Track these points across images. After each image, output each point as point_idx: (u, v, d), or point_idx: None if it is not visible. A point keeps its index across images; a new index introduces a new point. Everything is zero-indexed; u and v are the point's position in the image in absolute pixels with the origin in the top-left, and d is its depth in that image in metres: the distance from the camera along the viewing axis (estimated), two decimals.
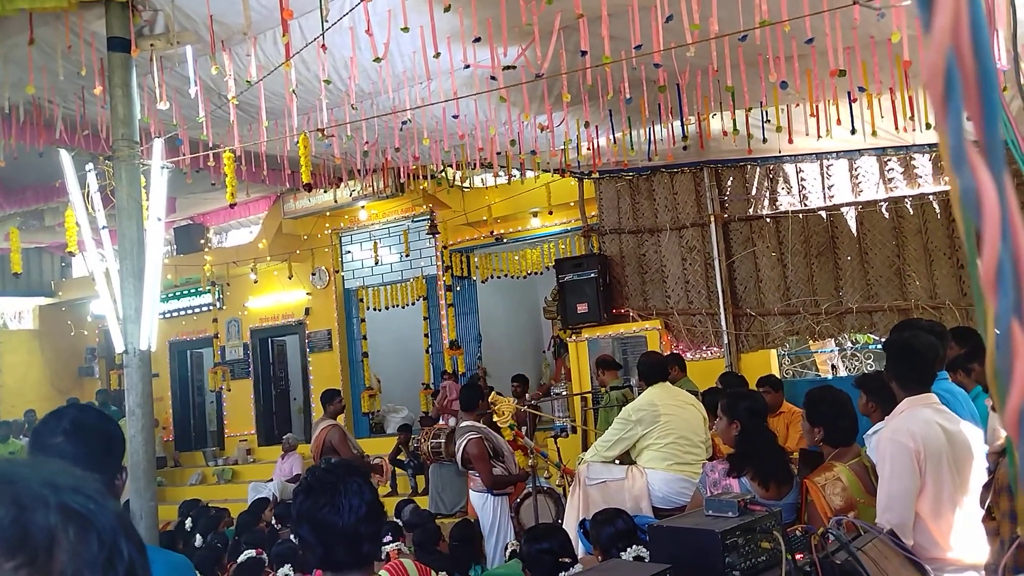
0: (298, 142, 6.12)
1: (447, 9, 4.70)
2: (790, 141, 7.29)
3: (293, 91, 5.69)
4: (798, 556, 2.62)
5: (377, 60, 5.25)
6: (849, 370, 9.43)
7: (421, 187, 11.54)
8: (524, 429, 7.75)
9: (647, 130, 7.94)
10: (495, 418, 6.49)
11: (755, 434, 3.84)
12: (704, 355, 9.30)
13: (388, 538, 5.48)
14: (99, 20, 5.60)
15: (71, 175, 5.75)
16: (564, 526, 5.18)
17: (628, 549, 3.65)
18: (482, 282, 12.83)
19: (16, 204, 10.44)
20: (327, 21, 4.84)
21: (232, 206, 6.54)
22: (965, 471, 2.96)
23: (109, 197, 5.73)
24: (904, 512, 2.87)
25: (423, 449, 9.60)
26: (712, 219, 9.29)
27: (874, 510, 3.14)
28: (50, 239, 13.25)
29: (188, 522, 7.69)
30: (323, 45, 5.11)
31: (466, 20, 5.14)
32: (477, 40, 5.14)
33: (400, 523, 6.51)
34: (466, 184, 11.66)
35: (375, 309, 13.36)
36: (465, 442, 6.40)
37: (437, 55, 5.20)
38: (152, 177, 5.67)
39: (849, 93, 6.60)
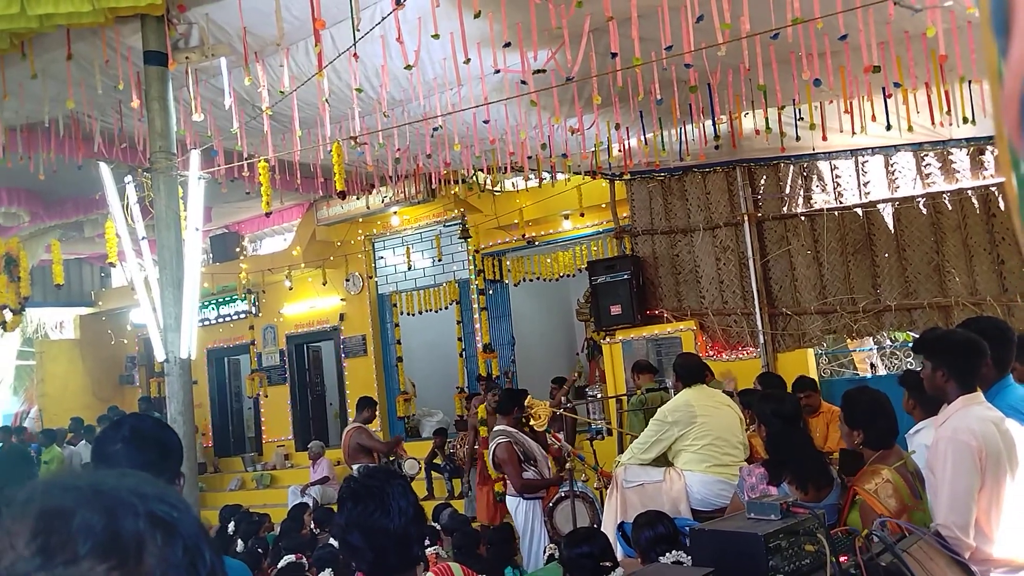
0: (331, 150, 6.17)
1: (477, 15, 4.72)
2: (824, 138, 7.23)
3: (326, 100, 5.75)
4: (842, 558, 2.59)
5: (408, 67, 5.30)
6: (888, 368, 9.30)
7: (452, 192, 11.59)
8: (563, 434, 7.74)
9: (678, 130, 7.91)
10: (532, 421, 6.50)
11: (782, 438, 3.80)
12: (740, 355, 9.22)
13: (426, 542, 5.51)
14: (135, 35, 5.70)
15: (111, 187, 5.86)
16: (602, 529, 5.17)
17: (668, 553, 3.63)
18: (514, 285, 12.84)
19: (56, 216, 10.66)
20: (359, 31, 4.89)
21: (268, 215, 6.61)
22: (1015, 469, 2.92)
23: (148, 208, 5.83)
24: (969, 512, 2.84)
25: (459, 455, 9.66)
26: (746, 218, 9.22)
27: (920, 514, 3.10)
28: (90, 250, 13.50)
29: (231, 527, 7.78)
30: (355, 54, 5.16)
31: (496, 25, 5.16)
32: (507, 45, 5.16)
33: (438, 527, 6.54)
34: (497, 188, 11.69)
35: (408, 314, 13.43)
36: (495, 446, 6.43)
37: (467, 61, 5.22)
38: (189, 188, 5.76)
39: (884, 89, 6.53)
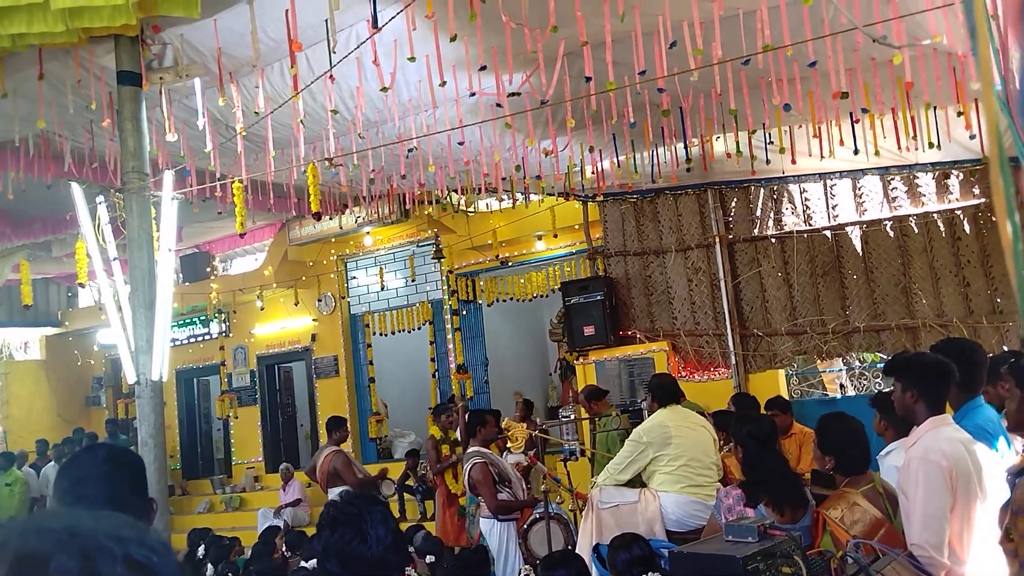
0: (306, 171, 6.16)
1: (453, 39, 4.76)
2: (793, 162, 7.34)
3: (301, 121, 5.74)
4: None
5: (384, 90, 5.32)
6: (857, 389, 9.42)
7: (426, 212, 11.60)
8: (535, 452, 7.73)
9: (651, 153, 7.99)
10: (508, 444, 6.49)
11: (758, 460, 3.83)
12: (712, 376, 9.29)
13: None
14: (108, 55, 5.67)
15: (82, 207, 5.80)
16: (577, 550, 5.17)
17: (644, 575, 3.64)
18: (488, 306, 12.85)
19: (24, 236, 10.51)
20: (334, 53, 4.90)
21: (242, 235, 6.58)
22: (984, 490, 2.97)
23: (119, 228, 5.77)
24: (942, 531, 2.88)
25: (430, 477, 9.61)
26: (717, 240, 9.32)
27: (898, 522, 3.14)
28: (57, 269, 13.31)
29: (200, 551, 7.66)
30: (331, 76, 5.17)
31: (471, 49, 5.20)
32: (483, 68, 5.20)
33: (411, 549, 6.48)
34: (471, 209, 11.72)
35: (381, 334, 13.38)
36: (470, 467, 6.40)
37: (443, 84, 5.25)
38: (163, 209, 5.72)
39: (851, 114, 6.66)
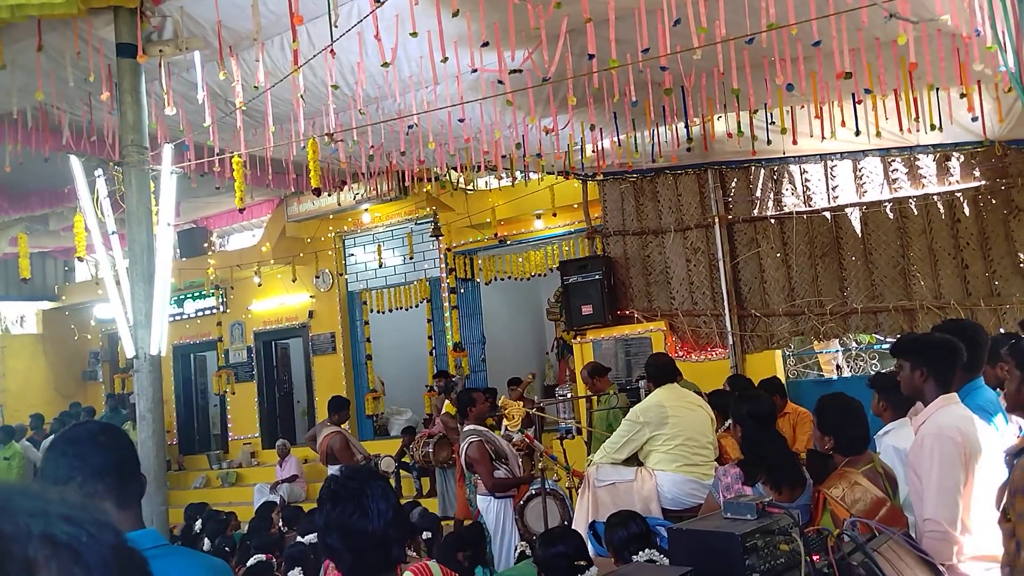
0: (306, 147, 6.13)
1: (455, 14, 4.72)
2: (794, 142, 7.32)
3: (301, 97, 5.71)
4: (815, 557, 2.64)
5: (385, 65, 5.28)
6: (853, 371, 9.45)
7: (425, 190, 11.56)
8: (532, 430, 7.76)
9: (651, 132, 7.96)
10: (505, 422, 6.50)
11: (757, 438, 3.84)
12: (709, 356, 9.31)
13: None
14: (108, 26, 5.62)
15: (81, 181, 5.76)
16: (573, 527, 5.19)
17: (641, 552, 3.66)
18: (486, 284, 12.85)
19: (21, 209, 10.46)
20: (336, 27, 4.86)
21: (241, 211, 6.56)
22: (989, 468, 2.99)
23: (118, 202, 5.75)
24: (956, 507, 2.92)
25: (417, 458, 9.69)
26: (716, 220, 9.31)
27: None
28: (54, 243, 13.27)
29: (197, 525, 7.70)
30: (332, 51, 5.13)
31: (474, 25, 5.16)
32: (485, 44, 5.16)
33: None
34: (470, 186, 11.68)
35: (378, 312, 13.38)
36: (466, 445, 6.43)
37: (445, 60, 5.22)
38: (162, 183, 5.69)
39: (854, 95, 6.63)
